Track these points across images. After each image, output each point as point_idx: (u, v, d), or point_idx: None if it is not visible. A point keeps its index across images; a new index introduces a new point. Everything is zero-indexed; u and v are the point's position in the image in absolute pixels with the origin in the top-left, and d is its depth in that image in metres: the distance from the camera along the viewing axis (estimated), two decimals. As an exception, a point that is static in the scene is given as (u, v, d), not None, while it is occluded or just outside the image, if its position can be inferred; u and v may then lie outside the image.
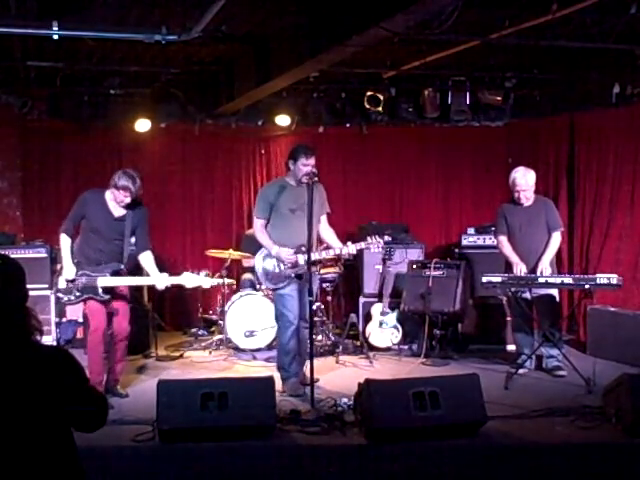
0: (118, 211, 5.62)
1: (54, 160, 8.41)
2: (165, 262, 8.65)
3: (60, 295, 5.60)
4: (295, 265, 5.77)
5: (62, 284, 5.55)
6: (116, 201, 5.55)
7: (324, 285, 7.51)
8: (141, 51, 6.76)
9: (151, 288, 7.97)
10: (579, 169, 8.25)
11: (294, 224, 5.75)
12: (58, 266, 5.91)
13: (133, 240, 5.75)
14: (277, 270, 5.86)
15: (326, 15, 5.37)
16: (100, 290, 5.52)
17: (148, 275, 5.76)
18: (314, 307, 6.15)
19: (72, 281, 5.50)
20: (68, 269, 5.54)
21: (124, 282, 5.71)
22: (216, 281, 6.13)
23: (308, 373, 5.56)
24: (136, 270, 5.99)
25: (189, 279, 5.71)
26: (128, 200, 5.53)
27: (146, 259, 5.77)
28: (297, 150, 5.87)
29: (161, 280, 5.66)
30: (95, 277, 5.53)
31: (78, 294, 5.53)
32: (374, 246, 5.92)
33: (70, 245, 5.61)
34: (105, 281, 5.55)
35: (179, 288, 8.50)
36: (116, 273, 5.62)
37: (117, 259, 5.64)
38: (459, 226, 8.90)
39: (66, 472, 2.26)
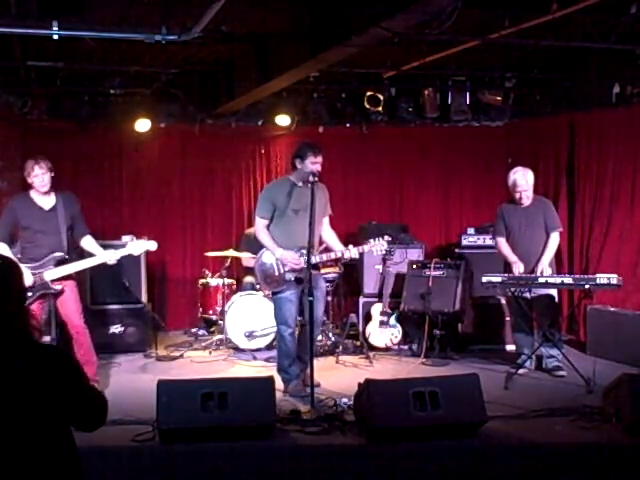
0: (47, 203, 5.65)
1: (54, 160, 8.19)
2: (165, 261, 8.68)
3: None
4: (300, 269, 5.67)
5: None
6: (40, 189, 5.58)
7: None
8: (141, 51, 6.76)
9: (150, 288, 8.05)
10: (579, 169, 8.25)
11: (296, 225, 5.66)
12: None
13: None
14: (277, 273, 5.79)
15: (326, 15, 5.37)
16: (50, 284, 5.53)
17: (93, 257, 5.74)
18: (321, 310, 6.08)
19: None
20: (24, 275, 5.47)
21: (72, 269, 5.65)
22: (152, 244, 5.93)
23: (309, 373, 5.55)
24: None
25: (135, 247, 5.80)
26: (47, 177, 5.57)
27: (88, 242, 5.82)
28: (304, 148, 5.73)
29: (109, 255, 5.70)
30: (41, 273, 5.52)
31: (30, 294, 5.46)
32: (377, 248, 5.84)
33: (11, 251, 5.57)
34: (52, 273, 5.54)
35: (181, 288, 8.71)
36: (60, 262, 5.60)
37: (58, 250, 5.61)
38: (459, 226, 8.89)
39: (65, 472, 2.26)
